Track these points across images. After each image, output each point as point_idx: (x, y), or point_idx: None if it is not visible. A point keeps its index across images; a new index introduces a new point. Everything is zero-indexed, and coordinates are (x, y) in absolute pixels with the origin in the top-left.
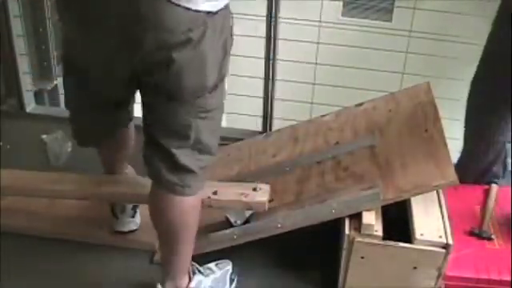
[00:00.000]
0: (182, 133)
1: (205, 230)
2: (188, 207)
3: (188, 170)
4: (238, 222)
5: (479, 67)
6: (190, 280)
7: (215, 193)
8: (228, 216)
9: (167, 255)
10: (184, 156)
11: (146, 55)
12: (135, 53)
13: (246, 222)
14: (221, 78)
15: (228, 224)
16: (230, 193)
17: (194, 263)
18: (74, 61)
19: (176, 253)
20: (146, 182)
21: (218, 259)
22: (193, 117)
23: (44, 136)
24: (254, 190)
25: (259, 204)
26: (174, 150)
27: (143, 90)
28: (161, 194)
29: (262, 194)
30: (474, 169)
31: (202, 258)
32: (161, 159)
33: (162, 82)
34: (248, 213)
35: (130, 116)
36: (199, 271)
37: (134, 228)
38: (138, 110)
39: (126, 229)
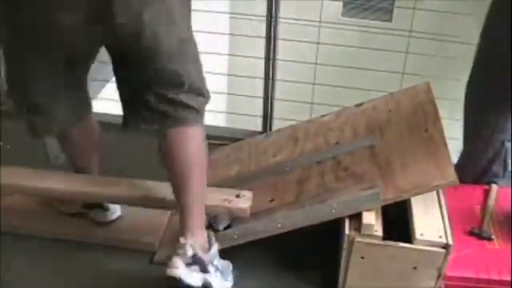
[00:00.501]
0: (176, 82)
1: None
2: (200, 137)
3: (191, 108)
4: (220, 226)
5: (473, 68)
6: (210, 246)
7: None
8: (210, 220)
9: (184, 205)
10: (185, 97)
11: (119, 26)
12: (108, 25)
13: (228, 227)
14: (190, 28)
15: (210, 228)
16: (214, 198)
17: (211, 231)
18: (37, 41)
19: (192, 197)
20: (142, 184)
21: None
22: (180, 65)
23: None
24: (237, 196)
25: (241, 210)
26: (175, 95)
27: (122, 60)
28: (174, 132)
29: (244, 201)
30: (474, 168)
31: None
32: (165, 103)
33: (141, 45)
34: (230, 218)
35: (89, 101)
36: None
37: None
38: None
39: (107, 219)
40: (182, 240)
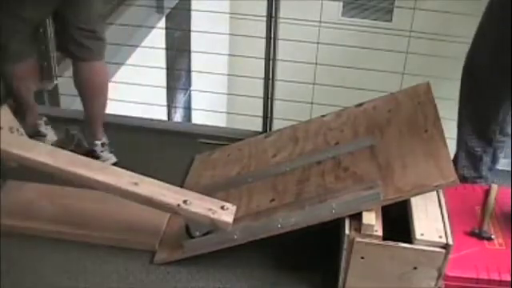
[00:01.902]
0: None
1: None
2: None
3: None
4: (198, 233)
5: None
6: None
7: (185, 202)
8: (189, 225)
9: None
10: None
11: None
12: None
13: (207, 233)
14: None
15: (187, 233)
16: (200, 206)
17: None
18: None
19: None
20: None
21: (218, 260)
22: None
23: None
24: (222, 208)
25: (224, 223)
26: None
27: None
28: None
29: (228, 214)
30: (465, 158)
31: (202, 259)
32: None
33: None
34: (209, 227)
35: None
36: None
37: None
38: (138, 111)
39: None
40: (102, 141)
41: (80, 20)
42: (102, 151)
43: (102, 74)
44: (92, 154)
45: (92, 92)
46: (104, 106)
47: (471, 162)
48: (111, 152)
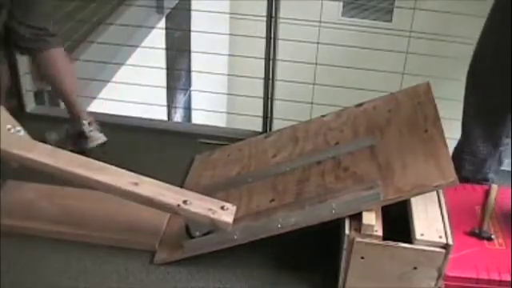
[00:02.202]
0: None
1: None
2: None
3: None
4: (198, 233)
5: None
6: None
7: (185, 202)
8: (189, 225)
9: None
10: None
11: None
12: None
13: (207, 233)
14: None
15: (187, 233)
16: (200, 206)
17: None
18: None
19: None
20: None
21: (218, 260)
22: None
23: (45, 135)
24: (222, 208)
25: (224, 223)
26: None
27: None
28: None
29: (228, 214)
30: (469, 161)
31: (202, 259)
32: None
33: None
34: (209, 227)
35: None
36: None
37: None
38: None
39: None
40: (89, 120)
41: (29, 18)
42: (90, 131)
43: (61, 58)
44: (82, 135)
45: (58, 77)
46: (73, 86)
47: (476, 165)
48: (101, 132)
